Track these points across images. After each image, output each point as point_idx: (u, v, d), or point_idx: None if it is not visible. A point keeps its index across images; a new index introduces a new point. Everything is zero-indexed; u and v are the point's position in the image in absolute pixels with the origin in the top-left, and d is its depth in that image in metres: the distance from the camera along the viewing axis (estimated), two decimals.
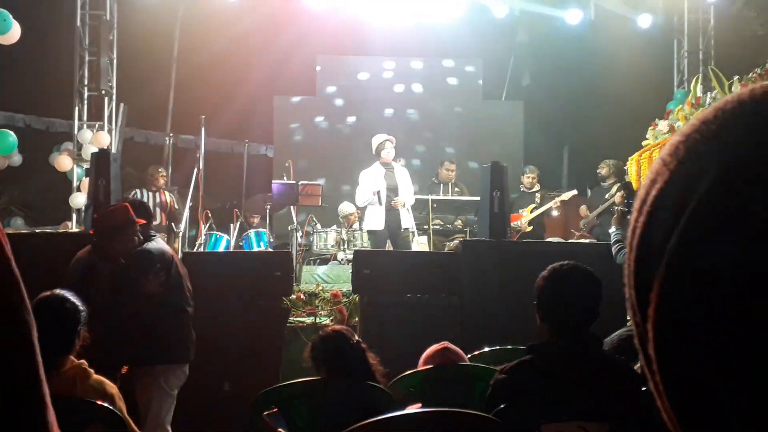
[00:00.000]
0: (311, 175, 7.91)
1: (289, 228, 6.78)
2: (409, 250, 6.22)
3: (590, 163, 7.59)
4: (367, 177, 6.39)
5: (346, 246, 6.88)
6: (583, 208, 7.27)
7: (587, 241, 6.62)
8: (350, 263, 5.76)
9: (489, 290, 4.91)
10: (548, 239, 7.08)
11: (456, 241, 6.06)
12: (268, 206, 7.18)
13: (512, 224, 6.41)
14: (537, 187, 7.51)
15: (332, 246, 6.99)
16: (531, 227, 7.26)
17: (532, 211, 7.29)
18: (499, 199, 5.08)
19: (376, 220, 6.35)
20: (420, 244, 6.69)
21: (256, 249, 6.65)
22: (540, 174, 7.60)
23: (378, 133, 6.72)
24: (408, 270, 5.04)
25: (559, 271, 2.20)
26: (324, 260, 7.17)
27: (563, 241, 6.93)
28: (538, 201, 7.29)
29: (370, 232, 6.48)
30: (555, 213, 7.30)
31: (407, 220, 6.43)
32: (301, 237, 7.05)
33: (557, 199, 7.20)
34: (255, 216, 7.75)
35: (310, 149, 9.49)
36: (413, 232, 6.54)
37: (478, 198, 5.62)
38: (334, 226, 7.44)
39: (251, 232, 6.88)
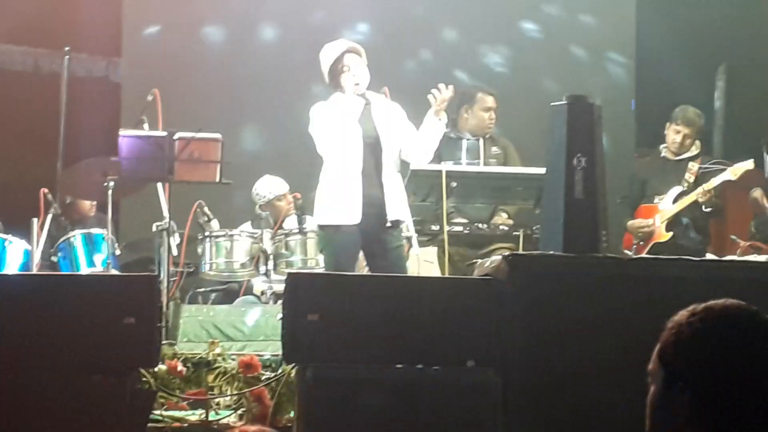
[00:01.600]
0: (199, 121, 7.04)
1: (154, 228, 6.52)
2: (403, 274, 6.04)
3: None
4: (325, 114, 6.13)
5: (269, 264, 6.84)
6: (757, 193, 7.54)
7: (765, 258, 6.72)
8: (279, 300, 6.11)
9: (562, 359, 4.83)
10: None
11: (495, 258, 5.52)
12: (111, 183, 6.73)
13: (637, 224, 6.96)
14: (693, 151, 7.37)
15: (242, 265, 6.94)
16: (670, 233, 7.20)
17: (676, 200, 7.25)
18: (585, 171, 5.00)
19: (338, 205, 6.07)
20: (424, 260, 6.56)
21: (85, 270, 6.76)
22: (697, 128, 7.37)
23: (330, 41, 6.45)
24: (399, 315, 4.91)
25: (733, 319, 1.96)
26: (226, 294, 7.44)
27: (717, 259, 6.74)
28: (691, 179, 7.22)
29: (326, 231, 6.21)
30: (704, 205, 7.21)
31: (398, 208, 6.13)
32: (179, 246, 6.67)
33: (720, 178, 7.07)
34: (83, 203, 7.81)
35: (195, 71, 8.95)
36: (409, 237, 6.25)
37: (541, 170, 5.68)
38: (246, 225, 7.44)
39: (75, 236, 6.90)
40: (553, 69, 9.41)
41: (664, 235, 7.25)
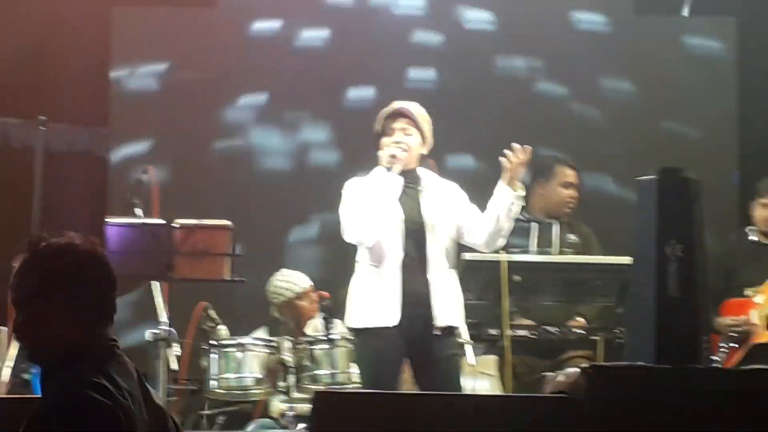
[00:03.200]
0: (204, 205, 7.32)
1: (149, 336, 6.46)
2: (456, 392, 5.98)
3: None
4: (358, 191, 6.17)
5: (290, 379, 6.77)
6: None
7: None
8: (302, 424, 6.25)
9: None
10: None
11: (571, 370, 5.38)
12: None
13: (731, 321, 6.93)
14: None
15: (257, 380, 6.87)
16: None
17: None
18: (681, 262, 4.93)
19: (373, 305, 6.08)
20: (481, 372, 6.67)
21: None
22: None
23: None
24: None
25: None
26: (237, 416, 7.30)
27: None
28: None
29: (360, 337, 6.22)
30: None
31: (449, 311, 6.10)
32: (179, 358, 6.66)
33: None
34: None
35: (197, 145, 9.00)
36: (462, 344, 6.22)
37: (626, 260, 5.85)
38: (261, 331, 7.46)
39: None
40: (634, 132, 9.35)
41: (763, 335, 7.12)
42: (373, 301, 6.02)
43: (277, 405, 6.85)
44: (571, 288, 6.98)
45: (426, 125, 6.16)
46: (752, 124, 9.67)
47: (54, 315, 2.86)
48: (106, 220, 6.80)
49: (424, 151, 6.17)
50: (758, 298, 7.13)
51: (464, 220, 6.17)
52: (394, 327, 5.93)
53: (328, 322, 6.96)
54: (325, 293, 7.29)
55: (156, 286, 6.69)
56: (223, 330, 6.98)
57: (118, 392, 2.83)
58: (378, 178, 6.07)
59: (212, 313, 6.97)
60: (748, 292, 7.18)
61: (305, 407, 6.04)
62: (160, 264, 6.54)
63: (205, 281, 6.82)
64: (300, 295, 7.52)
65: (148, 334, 6.57)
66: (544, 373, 6.18)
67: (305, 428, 5.78)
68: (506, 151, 6.01)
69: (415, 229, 6.11)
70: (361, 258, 6.08)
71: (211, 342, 6.89)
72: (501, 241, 6.31)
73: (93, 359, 2.84)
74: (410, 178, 6.15)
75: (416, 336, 6.01)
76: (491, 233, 6.17)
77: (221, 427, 7.29)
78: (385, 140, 6.10)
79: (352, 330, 6.22)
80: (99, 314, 2.87)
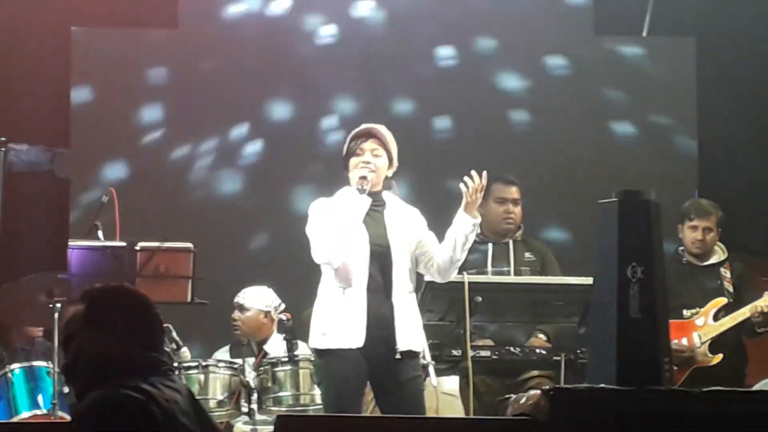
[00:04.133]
0: (165, 227, 7.40)
1: None
2: (419, 416, 5.95)
3: None
4: (324, 211, 6.14)
5: (253, 402, 6.70)
6: None
7: None
8: None
9: None
10: (762, 382, 7.10)
11: (533, 392, 5.41)
12: (59, 305, 6.82)
13: (672, 344, 6.24)
14: (719, 255, 7.40)
15: (220, 403, 6.81)
16: (719, 355, 7.14)
17: (719, 316, 7.19)
18: (642, 284, 4.99)
19: (337, 326, 6.03)
20: (443, 393, 6.67)
21: (25, 413, 6.77)
22: (717, 220, 7.37)
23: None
24: None
25: None
26: None
27: None
28: (730, 287, 7.32)
29: (323, 358, 6.16)
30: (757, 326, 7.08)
31: (410, 336, 6.07)
32: None
33: None
34: (24, 331, 7.82)
35: (158, 166, 8.97)
36: (425, 365, 6.19)
37: (587, 281, 5.87)
38: (224, 351, 7.55)
39: (14, 370, 6.93)
40: (595, 152, 9.40)
41: (711, 359, 7.15)
42: (338, 322, 5.97)
43: (240, 427, 6.91)
44: (533, 308, 6.94)
45: (393, 148, 6.13)
46: (711, 144, 9.61)
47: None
48: (69, 243, 6.81)
49: (390, 173, 6.14)
50: (699, 320, 7.18)
51: (423, 248, 6.17)
52: (358, 349, 5.90)
53: (290, 342, 6.86)
54: (287, 314, 7.22)
55: None
56: (185, 352, 6.94)
57: (159, 394, 2.93)
58: (345, 199, 6.06)
59: (174, 335, 6.89)
60: (687, 313, 7.21)
61: (268, 429, 6.05)
62: None
63: (167, 303, 6.56)
64: (264, 313, 7.47)
65: None
66: (507, 395, 6.27)
67: None
68: (465, 178, 6.00)
69: (380, 251, 6.09)
70: (327, 279, 6.04)
71: (173, 364, 6.64)
72: (454, 274, 6.30)
73: (135, 372, 2.95)
74: (376, 199, 6.10)
75: (379, 358, 5.97)
76: (446, 262, 6.15)
77: None
78: (353, 160, 6.05)
79: (315, 351, 6.15)
80: (144, 337, 2.97)
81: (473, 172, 6.00)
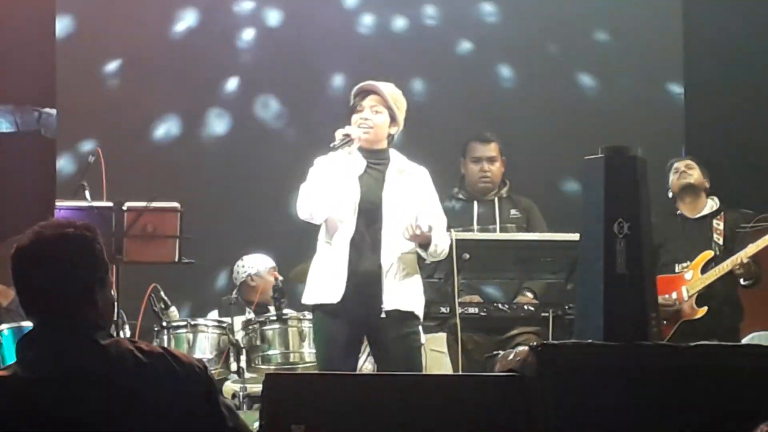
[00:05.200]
0: (153, 187, 7.23)
1: None
2: (407, 373, 5.86)
3: None
4: (321, 167, 6.16)
5: (242, 360, 6.74)
6: None
7: None
8: (255, 405, 6.35)
9: None
10: (750, 335, 7.26)
11: (521, 348, 5.41)
12: None
13: (661, 299, 6.35)
14: (712, 207, 7.38)
15: (208, 362, 6.63)
16: (704, 308, 7.12)
17: (705, 269, 7.19)
18: (629, 240, 5.00)
19: (322, 280, 6.09)
20: (431, 350, 6.74)
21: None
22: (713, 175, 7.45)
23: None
24: (403, 423, 4.76)
25: None
26: None
27: None
28: (720, 240, 7.29)
29: (315, 314, 6.22)
30: (742, 278, 7.09)
31: (399, 295, 6.07)
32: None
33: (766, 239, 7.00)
34: (11, 291, 7.25)
35: (146, 125, 8.96)
36: (415, 322, 6.22)
37: (574, 236, 5.72)
38: (213, 314, 7.45)
39: (2, 331, 6.77)
40: (583, 110, 9.39)
41: (696, 312, 7.19)
42: (321, 277, 6.00)
43: (230, 386, 6.87)
44: (521, 265, 6.97)
45: (397, 105, 6.13)
46: (698, 99, 9.65)
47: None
48: (56, 203, 6.78)
49: (393, 131, 6.13)
50: (688, 275, 7.20)
51: (423, 210, 6.17)
52: (339, 304, 5.91)
53: (278, 301, 6.89)
54: (276, 274, 7.29)
55: None
56: (173, 311, 6.99)
57: None
58: (338, 155, 6.06)
59: (162, 294, 6.92)
60: (678, 268, 7.26)
61: (257, 387, 6.04)
62: (109, 247, 6.26)
63: (154, 263, 6.80)
64: (254, 276, 7.53)
65: None
66: (494, 352, 5.97)
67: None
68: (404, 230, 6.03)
69: (370, 209, 6.07)
70: (320, 236, 6.06)
71: (162, 323, 6.83)
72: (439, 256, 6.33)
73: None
74: (376, 157, 6.11)
75: (363, 315, 6.00)
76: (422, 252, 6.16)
77: None
78: (354, 117, 6.05)
79: (305, 307, 6.19)
80: None
81: (410, 223, 6.03)
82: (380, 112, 6.06)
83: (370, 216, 6.07)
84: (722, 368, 4.84)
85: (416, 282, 6.12)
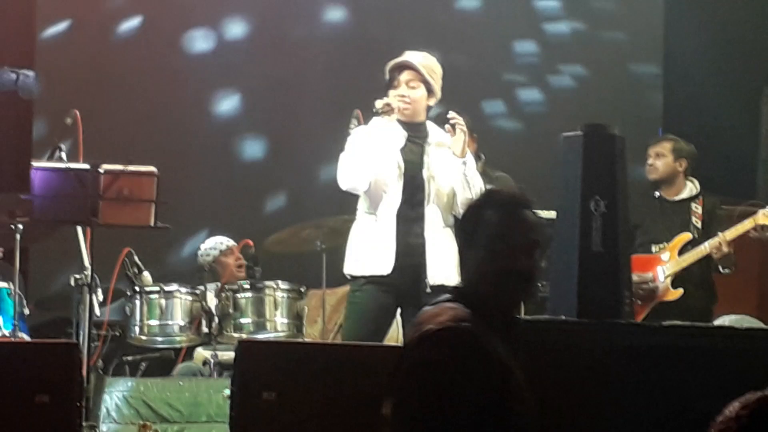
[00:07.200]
0: (130, 150, 7.26)
1: (72, 282, 6.42)
2: (380, 343, 6.10)
3: None
4: (359, 139, 6.15)
5: (214, 327, 6.69)
6: None
7: None
8: (226, 372, 6.29)
9: None
10: (721, 318, 7.12)
11: None
12: (20, 226, 6.69)
13: (637, 278, 6.61)
14: (692, 190, 7.38)
15: (181, 328, 6.78)
16: (680, 290, 7.11)
17: (683, 251, 7.20)
18: (605, 218, 5.03)
19: (367, 252, 6.12)
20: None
21: None
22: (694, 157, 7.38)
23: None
24: (377, 393, 4.32)
25: None
26: (160, 363, 7.45)
27: (758, 327, 6.78)
28: (698, 223, 7.29)
29: (352, 285, 6.30)
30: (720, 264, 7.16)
31: (443, 269, 6.11)
32: (102, 304, 6.68)
33: (752, 221, 6.99)
34: None
35: (124, 88, 8.92)
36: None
37: (549, 214, 5.55)
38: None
39: None
40: (562, 88, 9.42)
41: (672, 293, 7.18)
42: (369, 249, 6.01)
43: (201, 352, 6.93)
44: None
45: (433, 77, 6.09)
46: (677, 81, 9.72)
47: None
48: (32, 164, 6.75)
49: (431, 103, 6.11)
50: (664, 255, 7.19)
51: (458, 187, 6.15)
52: (389, 276, 5.93)
53: (251, 269, 6.84)
54: (248, 241, 7.25)
55: (80, 231, 6.64)
56: (146, 276, 6.92)
57: None
58: (381, 127, 6.04)
59: (136, 258, 6.90)
60: (654, 248, 7.23)
61: (228, 355, 6.10)
62: (84, 209, 6.47)
63: (129, 227, 6.76)
64: (225, 252, 7.53)
65: (71, 279, 6.50)
66: None
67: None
68: (451, 119, 5.97)
69: (414, 183, 6.09)
70: (360, 206, 6.07)
71: (135, 288, 6.82)
72: None
73: None
74: (416, 130, 6.10)
75: (409, 287, 6.00)
76: (463, 204, 6.03)
77: (143, 373, 7.22)
78: (391, 93, 6.06)
79: (350, 277, 6.20)
80: None
81: (452, 113, 6.00)
82: (416, 87, 6.05)
83: (413, 188, 6.08)
84: (694, 349, 4.86)
85: (456, 257, 6.02)
